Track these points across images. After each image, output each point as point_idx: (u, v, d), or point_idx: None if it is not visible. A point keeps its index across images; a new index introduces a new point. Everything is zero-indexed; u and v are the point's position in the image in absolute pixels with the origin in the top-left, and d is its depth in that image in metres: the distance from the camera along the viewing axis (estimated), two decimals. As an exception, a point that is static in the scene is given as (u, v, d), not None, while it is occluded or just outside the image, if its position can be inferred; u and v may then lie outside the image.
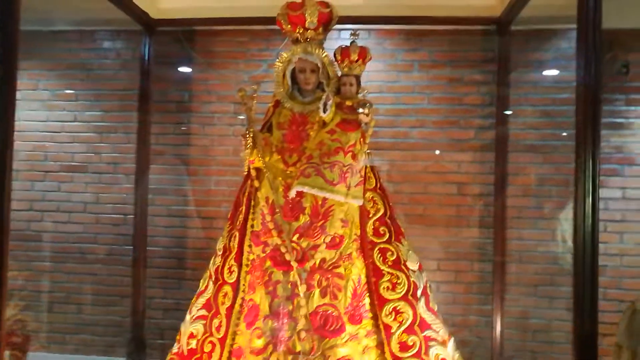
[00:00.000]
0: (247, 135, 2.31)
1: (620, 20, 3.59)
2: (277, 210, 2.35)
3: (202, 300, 2.51)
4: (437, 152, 3.82)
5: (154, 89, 3.88)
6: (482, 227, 3.80)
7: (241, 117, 3.83)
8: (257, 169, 2.47)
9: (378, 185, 2.54)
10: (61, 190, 4.12)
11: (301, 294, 2.28)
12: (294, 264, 2.29)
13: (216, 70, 3.97)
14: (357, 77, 2.50)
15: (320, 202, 2.36)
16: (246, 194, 2.52)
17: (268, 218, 2.40)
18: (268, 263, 2.37)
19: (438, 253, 3.82)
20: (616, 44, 3.75)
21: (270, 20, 3.40)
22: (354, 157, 2.38)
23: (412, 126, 3.90)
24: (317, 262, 2.33)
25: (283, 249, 2.32)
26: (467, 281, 3.80)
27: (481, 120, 3.83)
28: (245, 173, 2.43)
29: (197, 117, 4.03)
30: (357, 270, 2.38)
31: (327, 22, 2.50)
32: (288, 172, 2.42)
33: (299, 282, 2.28)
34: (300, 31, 2.47)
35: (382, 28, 3.80)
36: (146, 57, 3.59)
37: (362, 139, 2.42)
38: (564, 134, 3.73)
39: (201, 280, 2.63)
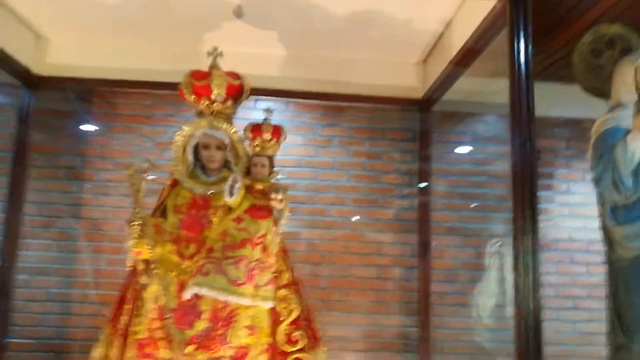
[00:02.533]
0: (134, 222, 1.90)
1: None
2: (168, 314, 1.93)
3: None
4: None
5: (39, 152, 3.38)
6: (405, 315, 3.54)
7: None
8: (146, 262, 2.05)
9: (292, 278, 2.21)
10: None
11: None
12: (185, 385, 1.85)
13: (115, 135, 3.54)
14: (270, 158, 2.22)
15: (221, 306, 1.97)
16: (130, 291, 2.08)
17: (156, 324, 1.96)
18: (153, 383, 1.91)
19: (359, 343, 3.51)
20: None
21: (176, 86, 3.15)
22: (264, 249, 2.04)
23: (331, 203, 3.65)
24: (216, 381, 1.91)
25: (172, 366, 1.89)
26: (391, 375, 3.48)
27: (401, 200, 3.67)
28: (130, 267, 1.99)
29: (90, 186, 3.53)
30: (264, 390, 1.99)
31: (237, 95, 2.22)
32: (184, 266, 2.03)
33: (190, 408, 1.84)
34: (206, 103, 2.16)
35: (301, 102, 3.61)
36: (25, 116, 3.08)
37: (274, 229, 2.10)
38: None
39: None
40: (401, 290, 3.58)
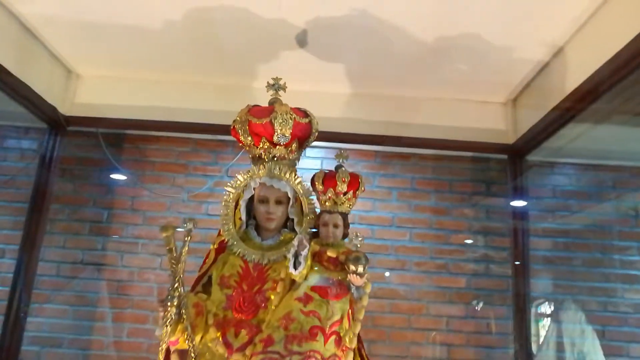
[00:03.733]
0: (169, 303, 1.40)
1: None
2: None
3: None
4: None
5: (61, 203, 3.03)
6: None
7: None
8: (181, 354, 1.54)
9: (370, 381, 1.66)
10: None
11: None
12: None
13: (146, 185, 3.12)
14: (345, 216, 1.71)
15: (281, 420, 1.42)
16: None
17: None
18: None
19: None
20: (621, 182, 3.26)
21: (220, 129, 2.71)
22: (338, 342, 1.50)
23: (390, 267, 3.11)
24: None
25: None
26: None
27: (474, 265, 3.11)
28: None
29: (116, 242, 3.08)
30: None
31: (303, 137, 1.76)
32: (231, 362, 1.51)
33: None
34: (266, 146, 1.70)
35: (365, 149, 3.14)
36: (48, 162, 2.67)
37: (350, 313, 1.57)
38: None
39: None
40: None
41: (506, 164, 2.77)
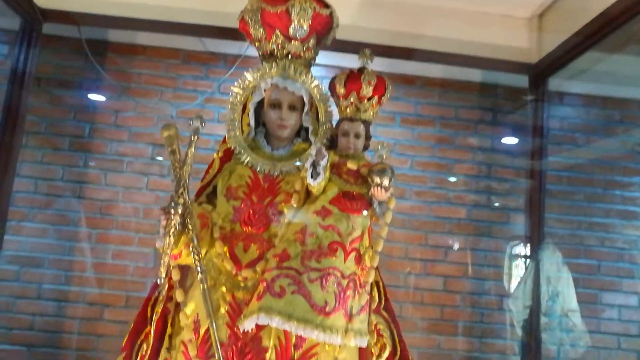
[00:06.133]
0: (172, 211, 1.23)
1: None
2: (213, 351, 1.26)
3: None
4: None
5: (38, 115, 2.77)
6: (472, 337, 2.89)
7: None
8: (183, 269, 1.38)
9: (382, 302, 1.55)
10: None
11: None
12: None
13: (132, 98, 2.87)
14: (368, 125, 1.53)
15: (294, 341, 1.30)
16: (159, 313, 1.40)
17: (196, 364, 1.29)
18: None
19: (416, 369, 2.85)
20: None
21: (218, 32, 2.46)
22: (358, 260, 1.37)
23: (390, 195, 2.97)
24: None
25: None
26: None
27: (475, 195, 3.00)
28: (160, 278, 1.30)
29: (99, 159, 2.87)
30: None
31: (322, 32, 1.54)
32: (239, 279, 1.36)
33: None
34: (280, 40, 1.48)
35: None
36: (23, 68, 2.36)
37: (370, 230, 1.43)
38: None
39: None
40: (471, 308, 2.92)
41: (513, 92, 2.57)
